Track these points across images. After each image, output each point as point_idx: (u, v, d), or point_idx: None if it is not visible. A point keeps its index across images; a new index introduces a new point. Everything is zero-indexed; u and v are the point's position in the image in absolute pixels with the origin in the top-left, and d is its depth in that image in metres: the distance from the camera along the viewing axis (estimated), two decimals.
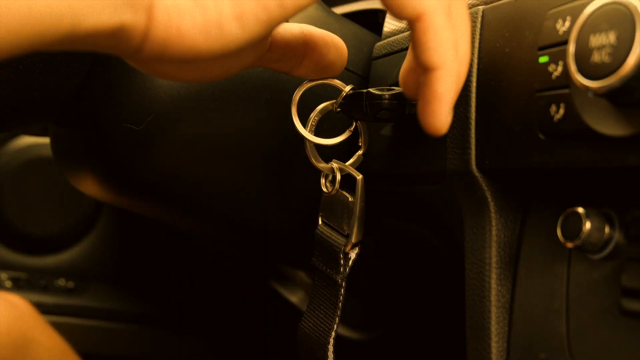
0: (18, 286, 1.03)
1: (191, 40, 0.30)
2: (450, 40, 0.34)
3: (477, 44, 0.40)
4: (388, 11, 0.35)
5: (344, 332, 0.79)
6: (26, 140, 1.08)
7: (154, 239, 1.10)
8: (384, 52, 0.51)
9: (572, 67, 0.31)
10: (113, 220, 1.12)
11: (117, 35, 0.29)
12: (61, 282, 1.06)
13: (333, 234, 0.47)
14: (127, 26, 0.29)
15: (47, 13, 0.26)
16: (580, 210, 0.34)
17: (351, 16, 0.61)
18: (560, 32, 0.34)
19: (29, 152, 1.08)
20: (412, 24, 0.34)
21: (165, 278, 1.11)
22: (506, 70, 0.37)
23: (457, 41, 0.35)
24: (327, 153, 0.48)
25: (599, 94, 0.30)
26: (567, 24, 0.33)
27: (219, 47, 0.31)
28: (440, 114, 0.35)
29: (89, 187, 0.55)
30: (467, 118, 0.40)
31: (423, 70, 0.35)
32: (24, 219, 1.08)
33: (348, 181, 0.47)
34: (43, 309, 0.84)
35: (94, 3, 0.27)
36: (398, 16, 0.34)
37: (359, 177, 0.46)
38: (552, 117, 0.34)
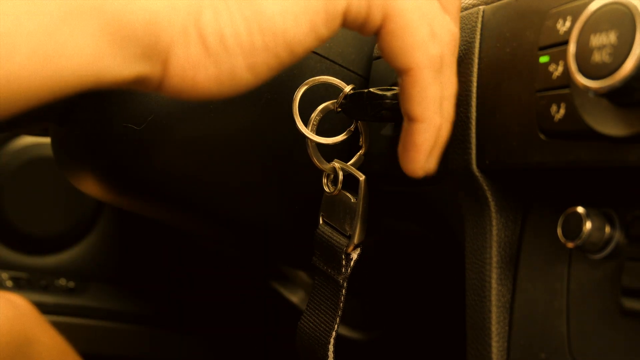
0: (19, 286, 1.03)
1: (205, 88, 0.32)
2: (436, 97, 0.35)
3: (477, 44, 0.40)
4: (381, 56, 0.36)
5: (344, 331, 0.79)
6: (26, 140, 1.08)
7: (154, 239, 1.10)
8: None
9: (573, 67, 0.31)
10: (113, 220, 1.12)
11: (136, 82, 0.31)
12: (62, 282, 1.06)
13: (334, 234, 0.47)
14: (145, 77, 0.31)
15: (73, 72, 0.28)
16: (581, 210, 0.34)
17: None
18: (561, 32, 0.34)
19: (29, 152, 1.08)
20: (401, 74, 0.35)
21: (165, 278, 1.11)
22: (507, 70, 0.37)
23: (442, 97, 0.36)
24: (327, 153, 0.48)
25: (599, 94, 0.30)
26: (568, 23, 0.33)
27: (231, 91, 0.33)
28: (417, 162, 0.37)
29: (90, 187, 0.55)
30: (468, 118, 0.40)
31: (406, 117, 0.36)
32: (24, 219, 1.08)
33: (349, 181, 0.47)
34: (43, 308, 0.84)
35: (115, 59, 0.29)
36: (389, 64, 0.35)
37: (362, 177, 0.46)
38: (553, 117, 0.34)
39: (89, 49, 0.28)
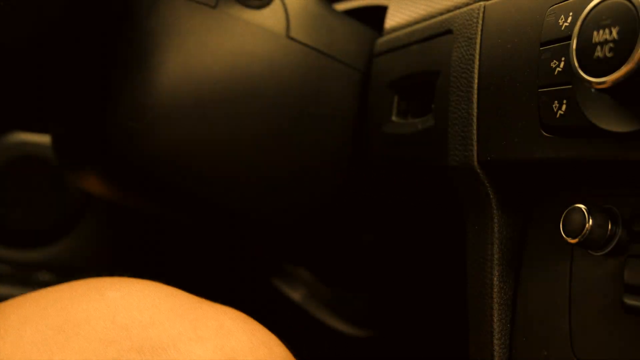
0: (1, 281, 1.02)
1: None
2: None
3: (478, 40, 0.40)
4: None
5: (346, 328, 0.79)
6: (17, 137, 1.07)
7: (145, 234, 1.09)
8: (385, 48, 0.51)
9: (575, 63, 0.31)
10: (100, 215, 1.11)
11: None
12: (46, 276, 1.05)
13: None
14: None
15: None
16: (583, 206, 0.34)
17: (352, 13, 0.61)
18: (563, 27, 0.34)
19: (17, 149, 1.07)
20: None
21: (157, 275, 1.11)
22: (508, 66, 0.37)
23: None
24: None
25: (601, 90, 0.30)
26: (570, 19, 0.33)
27: None
28: None
29: (92, 185, 0.55)
30: (469, 114, 0.40)
31: None
32: (12, 213, 1.08)
33: None
34: None
35: None
36: None
37: None
38: (555, 113, 0.34)
39: None
